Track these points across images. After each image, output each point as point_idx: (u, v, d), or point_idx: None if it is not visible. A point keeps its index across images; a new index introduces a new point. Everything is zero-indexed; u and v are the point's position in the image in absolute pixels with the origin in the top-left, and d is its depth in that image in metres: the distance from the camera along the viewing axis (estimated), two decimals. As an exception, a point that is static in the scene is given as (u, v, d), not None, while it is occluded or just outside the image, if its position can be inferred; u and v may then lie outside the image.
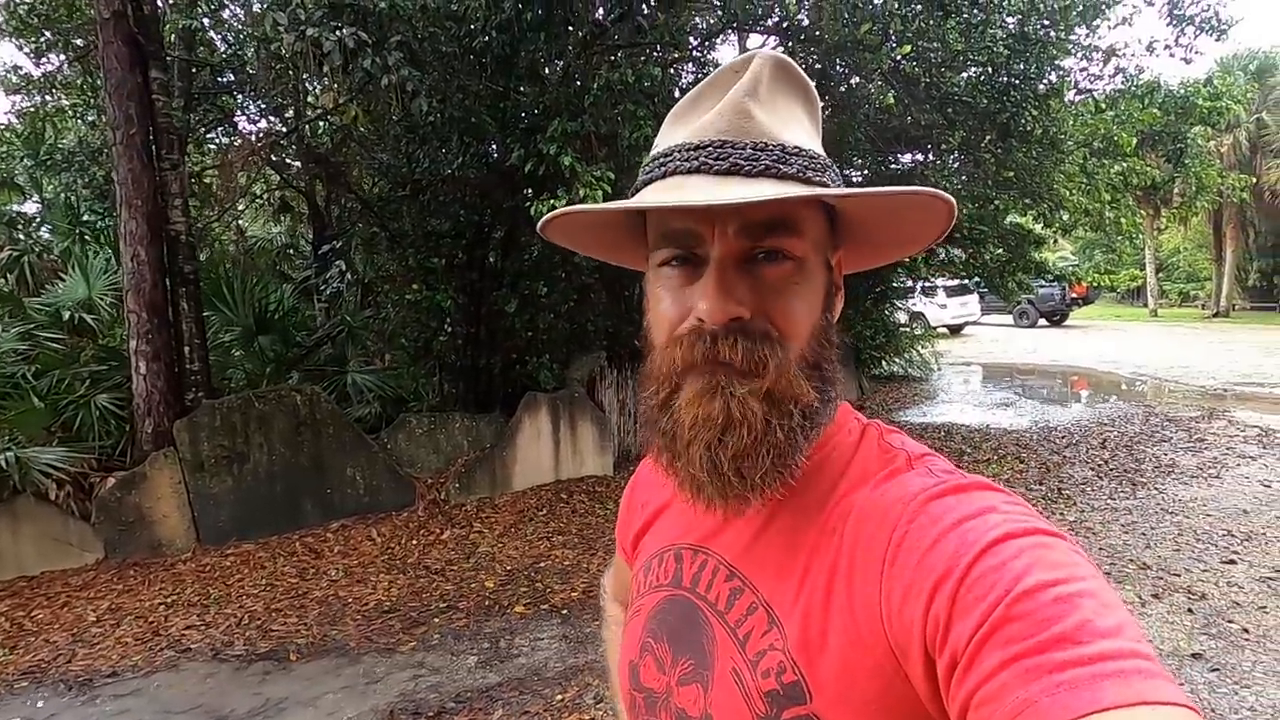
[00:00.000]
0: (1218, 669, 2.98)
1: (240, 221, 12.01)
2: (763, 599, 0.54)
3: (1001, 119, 4.58)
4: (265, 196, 10.55)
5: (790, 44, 4.61)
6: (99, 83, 8.56)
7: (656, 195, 0.54)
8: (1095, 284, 20.71)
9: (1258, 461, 6.21)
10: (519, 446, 6.23)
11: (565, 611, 4.01)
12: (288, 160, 8.72)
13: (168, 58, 5.89)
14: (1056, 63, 4.74)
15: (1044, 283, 16.07)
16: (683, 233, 0.54)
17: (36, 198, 9.53)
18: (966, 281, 17.59)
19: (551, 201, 3.82)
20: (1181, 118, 5.92)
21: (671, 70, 4.83)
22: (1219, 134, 15.67)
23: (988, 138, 4.65)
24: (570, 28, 4.00)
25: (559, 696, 3.10)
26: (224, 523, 5.28)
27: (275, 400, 5.52)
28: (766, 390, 0.53)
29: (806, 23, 4.14)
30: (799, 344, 0.54)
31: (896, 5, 3.80)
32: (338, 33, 3.41)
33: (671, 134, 0.58)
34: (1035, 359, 14.88)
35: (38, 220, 9.55)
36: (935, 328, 17.04)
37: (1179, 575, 3.94)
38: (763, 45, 5.93)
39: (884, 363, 11.97)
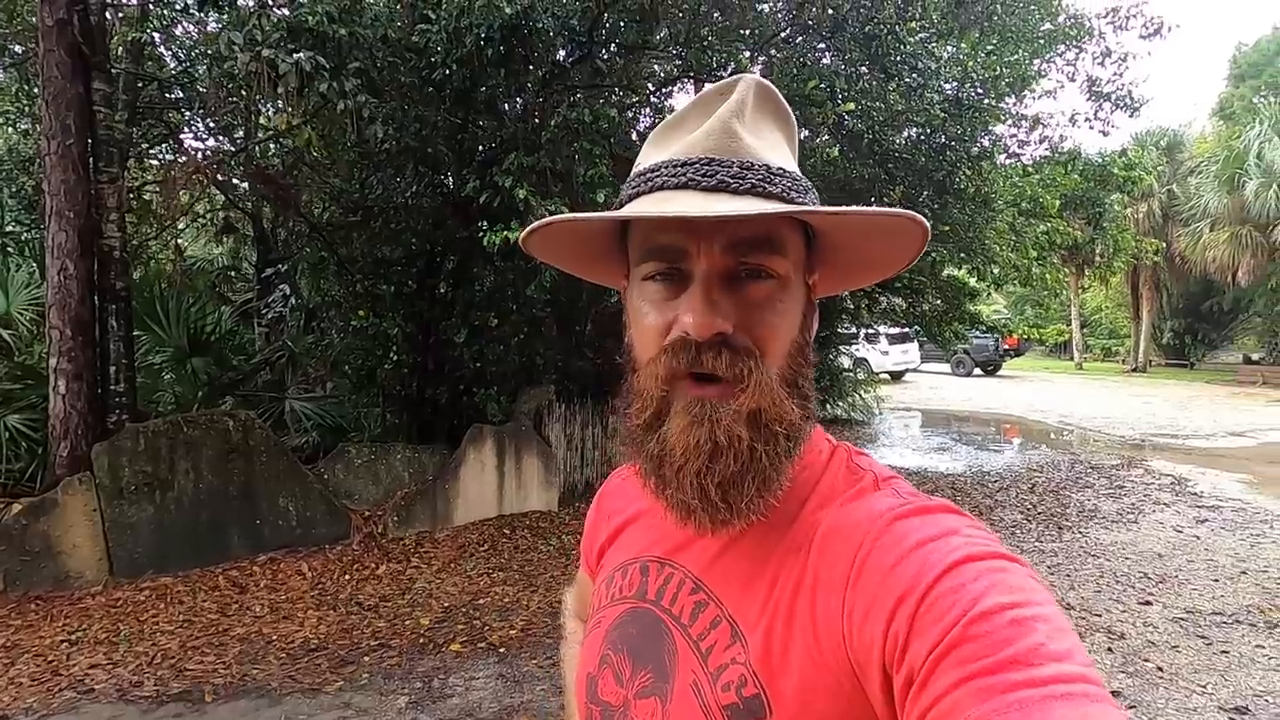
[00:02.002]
0: (1134, 706, 3.09)
1: (180, 240, 11.64)
2: (727, 613, 0.55)
3: (938, 177, 4.85)
4: (209, 216, 10.27)
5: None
6: (36, 91, 8.28)
7: (645, 208, 0.54)
8: (1026, 336, 21.72)
9: (1171, 508, 6.55)
10: (462, 479, 6.10)
11: (503, 650, 3.90)
12: (234, 181, 8.54)
13: (113, 70, 5.74)
14: (989, 128, 5.10)
15: (979, 334, 16.79)
16: (668, 247, 0.54)
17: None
18: (908, 330, 18.29)
19: (505, 233, 3.83)
20: (1100, 185, 6.40)
21: (629, 113, 4.96)
22: (1135, 201, 16.85)
23: (925, 193, 4.92)
24: (530, 66, 4.09)
25: (492, 738, 3.00)
26: (140, 554, 4.98)
27: (206, 425, 5.29)
28: (749, 412, 0.53)
29: (758, 76, 4.33)
30: (779, 361, 0.55)
31: (842, 65, 4.02)
32: (294, 55, 3.40)
33: (656, 152, 0.59)
34: (971, 406, 15.45)
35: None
36: (877, 373, 17.55)
37: (1100, 615, 4.11)
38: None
39: (827, 406, 12.25)
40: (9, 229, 8.00)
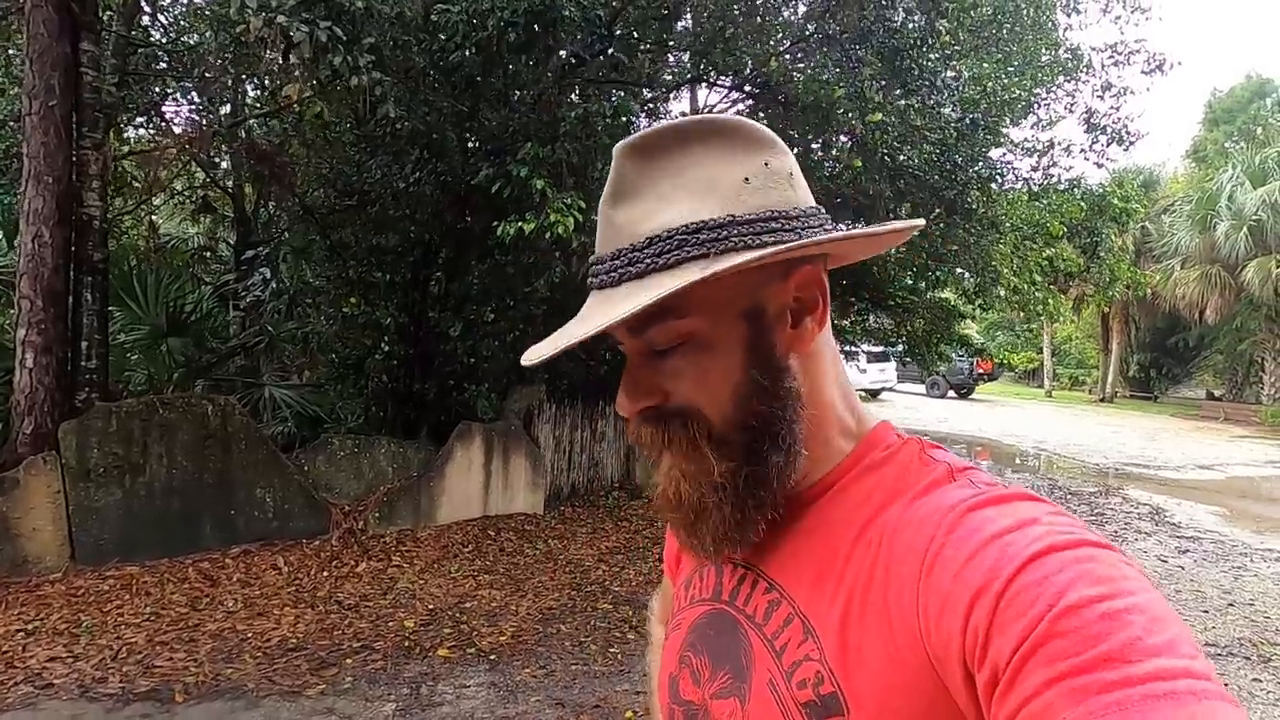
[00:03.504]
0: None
1: (154, 217, 11.26)
2: (799, 610, 0.54)
3: (949, 196, 4.85)
4: (187, 194, 9.93)
5: (757, 100, 4.75)
6: (14, 50, 7.92)
7: (542, 348, 0.57)
8: (1000, 361, 22.07)
9: (1152, 538, 6.63)
10: (448, 477, 5.92)
11: (494, 656, 3.74)
12: (216, 159, 8.24)
13: (103, 31, 5.49)
14: (996, 148, 5.11)
15: (957, 356, 16.99)
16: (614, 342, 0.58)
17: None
18: (886, 350, 18.46)
19: (519, 224, 3.70)
20: (1097, 214, 6.50)
21: (650, 106, 4.87)
22: (1120, 234, 17.28)
23: (936, 211, 4.92)
24: (549, 56, 3.97)
25: (487, 751, 2.84)
26: (106, 541, 4.72)
27: (183, 408, 5.04)
28: (684, 473, 0.56)
29: (777, 81, 4.28)
30: (716, 414, 0.55)
31: (869, 74, 3.99)
32: (310, 25, 3.23)
33: None
34: (947, 428, 15.61)
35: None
36: (858, 390, 17.68)
37: (1097, 643, 4.08)
38: (731, 102, 6.09)
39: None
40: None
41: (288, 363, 7.62)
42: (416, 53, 4.10)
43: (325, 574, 4.90)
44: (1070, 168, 6.04)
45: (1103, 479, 9.79)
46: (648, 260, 0.52)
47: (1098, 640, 0.37)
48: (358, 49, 3.52)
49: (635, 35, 4.17)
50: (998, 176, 5.33)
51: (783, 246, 0.51)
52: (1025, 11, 5.64)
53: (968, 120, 4.65)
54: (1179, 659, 0.36)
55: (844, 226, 0.55)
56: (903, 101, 4.20)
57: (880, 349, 18.67)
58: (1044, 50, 7.03)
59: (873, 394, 21.63)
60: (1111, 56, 7.34)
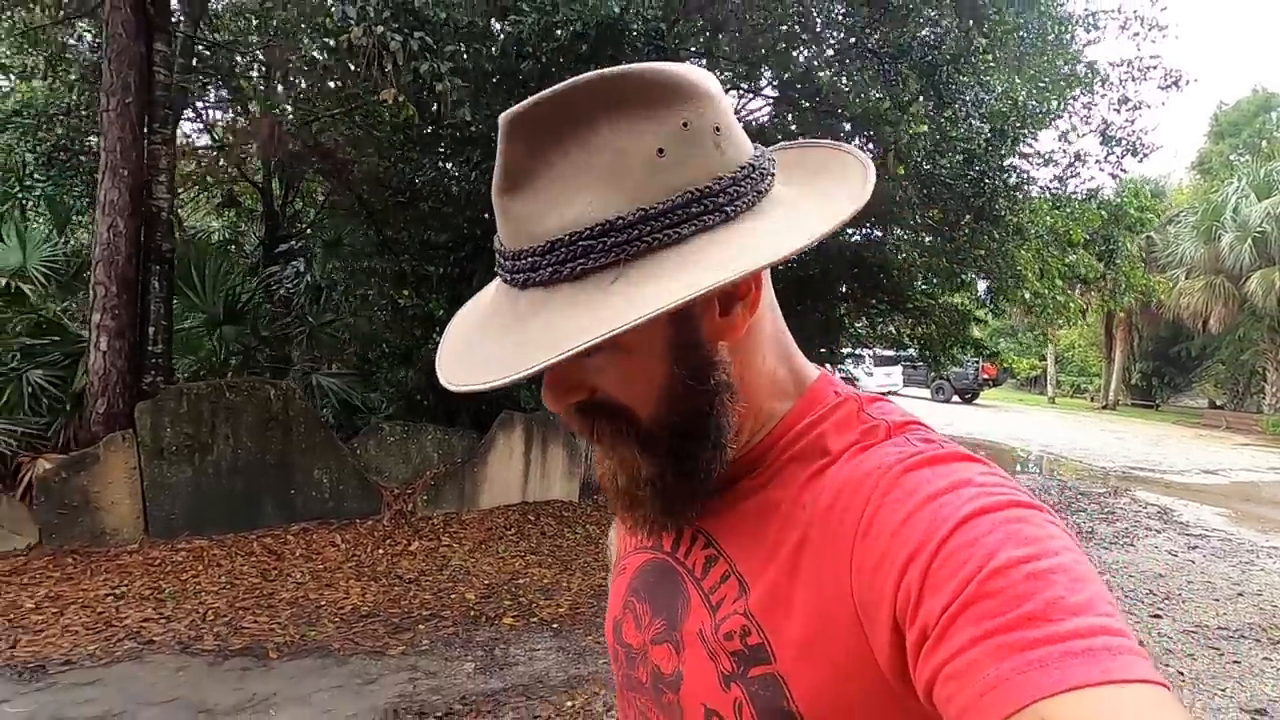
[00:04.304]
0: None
1: (180, 210, 11.51)
2: (735, 569, 0.55)
3: (978, 204, 5.12)
4: (215, 189, 10.17)
5: (801, 109, 5.01)
6: (70, 45, 8.18)
7: (453, 346, 0.55)
8: (1005, 367, 22.31)
9: (1162, 534, 6.89)
10: (490, 464, 6.18)
11: (556, 625, 4.00)
12: (245, 156, 8.50)
13: (173, 31, 5.76)
14: (1023, 160, 5.39)
15: (972, 359, 17.22)
16: None
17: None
18: (893, 353, 18.72)
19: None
20: (1113, 223, 6.77)
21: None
22: (1132, 241, 17.54)
23: (966, 218, 5.18)
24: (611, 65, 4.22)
25: (568, 703, 3.11)
26: (177, 516, 4.98)
27: (248, 392, 5.31)
28: (621, 460, 0.56)
29: (827, 93, 4.56)
30: (642, 411, 0.53)
31: (915, 89, 4.27)
32: (404, 34, 3.50)
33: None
34: (953, 431, 15.86)
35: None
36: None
37: (1117, 625, 4.35)
38: (774, 111, 6.32)
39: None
40: (38, 184, 7.88)
41: (318, 353, 7.89)
42: (484, 58, 4.36)
43: (381, 551, 5.16)
44: (1093, 179, 6.31)
45: (1111, 481, 10.06)
46: (549, 268, 0.48)
47: (1023, 600, 0.38)
48: (439, 56, 3.79)
49: (689, 47, 4.44)
50: (1024, 185, 5.60)
51: (702, 288, 0.45)
52: (1049, 29, 5.90)
53: (997, 131, 4.92)
54: (1097, 617, 0.37)
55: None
56: (938, 113, 4.47)
57: (889, 353, 18.95)
58: (1062, 64, 7.30)
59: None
60: (1127, 71, 7.60)
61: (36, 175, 8.59)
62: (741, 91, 5.35)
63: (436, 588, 4.57)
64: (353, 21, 3.38)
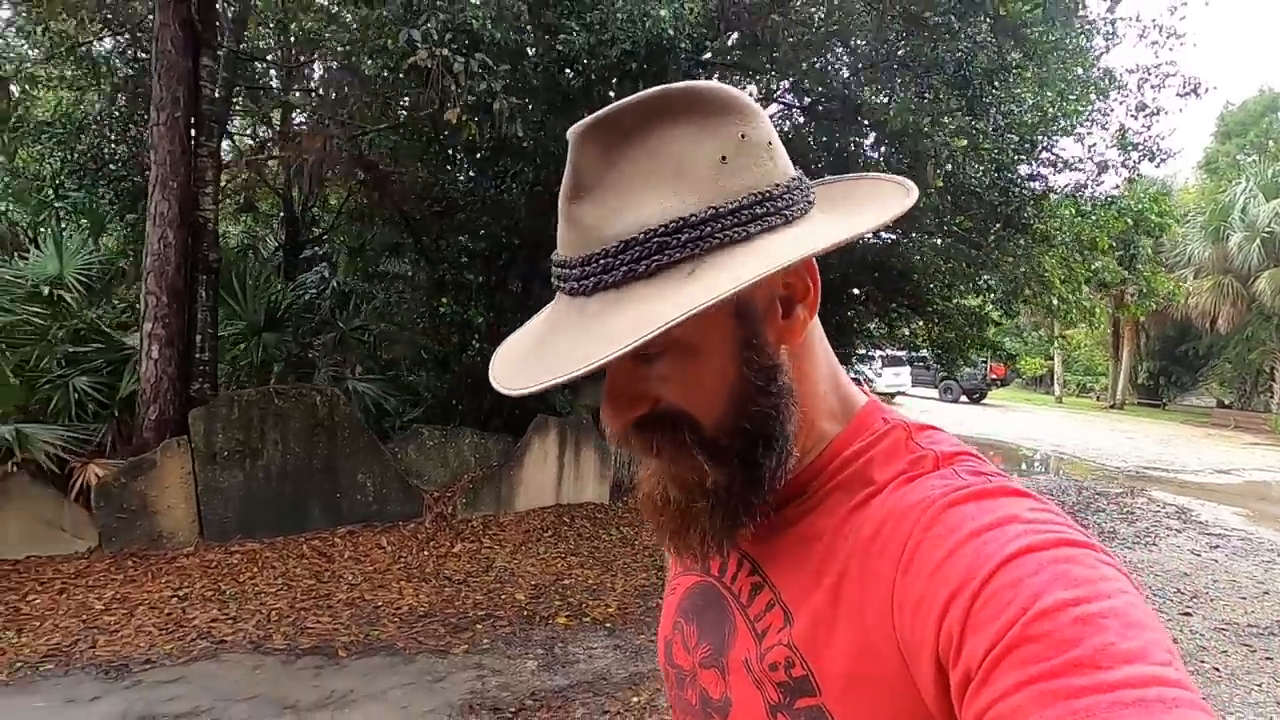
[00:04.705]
0: (1205, 699, 3.44)
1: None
2: (781, 598, 0.55)
3: (1007, 211, 5.26)
4: (233, 195, 10.31)
5: (838, 121, 5.14)
6: (101, 55, 8.32)
7: (503, 372, 0.54)
8: (1012, 366, 22.41)
9: (1182, 534, 7.01)
10: (526, 467, 6.31)
11: (609, 625, 4.14)
12: (268, 163, 8.64)
13: (219, 47, 5.90)
14: (1051, 166, 5.53)
15: (985, 360, 17.32)
16: None
17: (5, 164, 9.02)
18: (909, 354, 18.84)
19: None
20: (1133, 228, 6.90)
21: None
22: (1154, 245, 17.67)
23: (996, 226, 5.31)
24: (658, 81, 4.36)
25: (634, 699, 3.24)
26: (229, 519, 5.12)
27: (295, 398, 5.45)
28: (672, 476, 0.55)
29: (869, 108, 4.69)
30: (707, 418, 0.53)
31: (953, 105, 4.41)
32: (466, 56, 3.64)
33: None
34: (964, 432, 15.98)
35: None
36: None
37: (1149, 623, 4.48)
38: (812, 123, 6.43)
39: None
40: (71, 194, 8.03)
41: (341, 357, 8.04)
42: (531, 75, 4.50)
43: (426, 553, 5.30)
44: (1118, 185, 6.43)
45: (1126, 481, 10.17)
46: (624, 268, 0.48)
47: (1070, 645, 0.36)
48: (495, 76, 3.93)
49: (725, 60, 4.57)
50: (1050, 193, 5.74)
51: (780, 263, 0.47)
52: (1074, 40, 6.03)
53: (1026, 141, 5.05)
54: (1151, 665, 0.36)
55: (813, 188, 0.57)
56: (972, 125, 4.60)
57: (898, 353, 19.06)
58: (1080, 70, 7.42)
59: (888, 398, 22.01)
60: (1143, 79, 7.72)
61: (68, 184, 8.74)
62: (778, 103, 5.48)
63: (485, 588, 4.71)
64: (418, 44, 3.52)
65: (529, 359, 0.52)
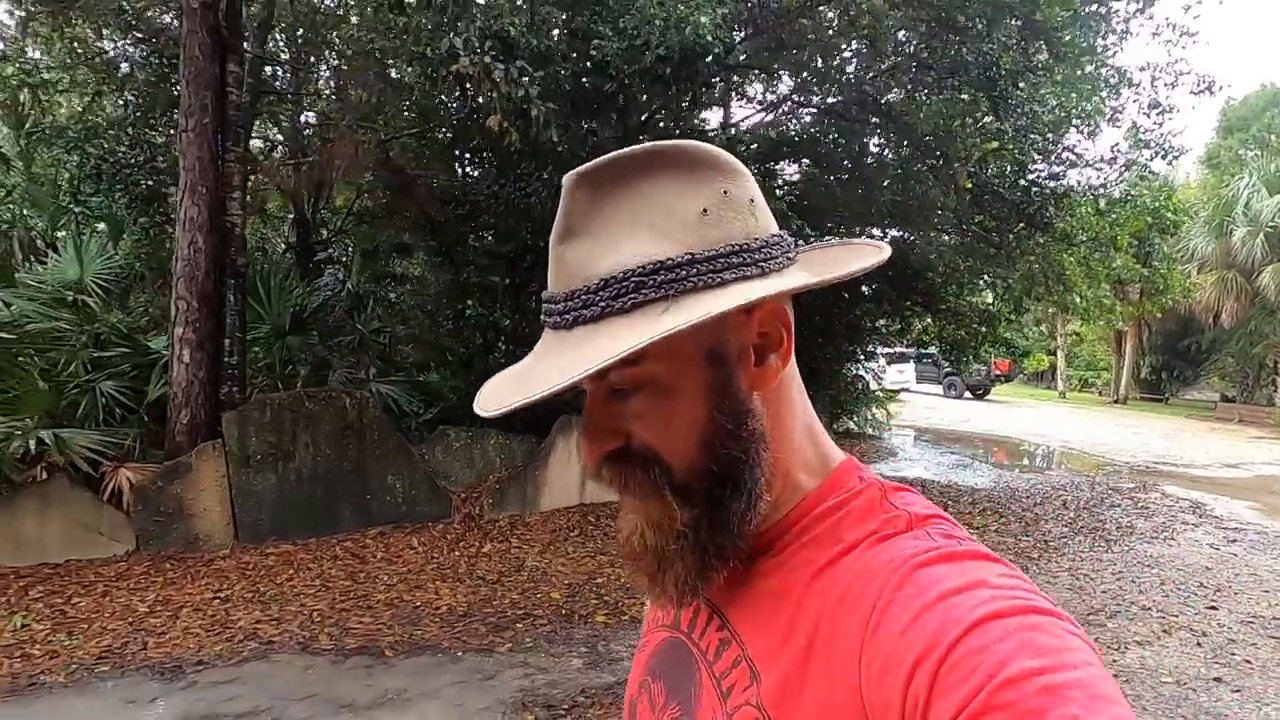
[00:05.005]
0: (1239, 690, 3.51)
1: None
2: (747, 654, 0.55)
3: (1029, 210, 5.32)
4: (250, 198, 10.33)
5: (866, 124, 5.19)
6: (113, 59, 8.35)
7: (498, 383, 0.57)
8: (1021, 362, 22.47)
9: (1200, 528, 7.08)
10: (550, 467, 6.37)
11: (647, 622, 4.19)
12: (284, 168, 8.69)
13: (245, 53, 5.94)
14: (1073, 166, 5.60)
15: (993, 356, 17.36)
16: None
17: (22, 170, 9.05)
18: (905, 351, 18.91)
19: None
20: (1151, 226, 6.96)
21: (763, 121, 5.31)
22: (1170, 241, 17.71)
23: (1019, 226, 5.38)
24: (691, 84, 4.42)
25: (682, 695, 3.30)
26: (263, 521, 5.17)
27: (325, 401, 5.50)
28: (650, 519, 0.55)
29: (899, 110, 4.76)
30: (677, 458, 0.54)
31: (983, 104, 4.48)
32: (506, 63, 3.69)
33: None
34: (971, 428, 16.05)
35: (18, 194, 9.07)
36: (894, 389, 18.11)
37: (1177, 616, 4.55)
38: (833, 125, 6.45)
39: (844, 418, 12.72)
40: (90, 199, 8.07)
41: (355, 359, 8.09)
42: (564, 80, 4.55)
43: (457, 554, 5.35)
44: (1135, 183, 6.46)
45: (1137, 476, 10.25)
46: (603, 304, 0.51)
47: (1034, 716, 0.36)
48: (532, 82, 3.98)
49: (754, 64, 4.63)
50: (1070, 192, 5.80)
51: (744, 298, 0.49)
52: (1086, 39, 6.08)
53: (1048, 141, 5.10)
54: None
55: (802, 245, 0.62)
56: (996, 126, 4.66)
57: (901, 350, 19.12)
58: (1092, 68, 7.48)
59: (892, 394, 22.07)
60: (1154, 77, 7.76)
61: (84, 189, 8.78)
62: (798, 105, 5.54)
63: (520, 588, 4.76)
64: (460, 52, 3.56)
65: (508, 384, 0.54)
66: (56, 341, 5.75)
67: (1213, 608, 4.76)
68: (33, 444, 4.64)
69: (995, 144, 4.45)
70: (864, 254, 0.58)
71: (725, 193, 0.54)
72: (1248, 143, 23.17)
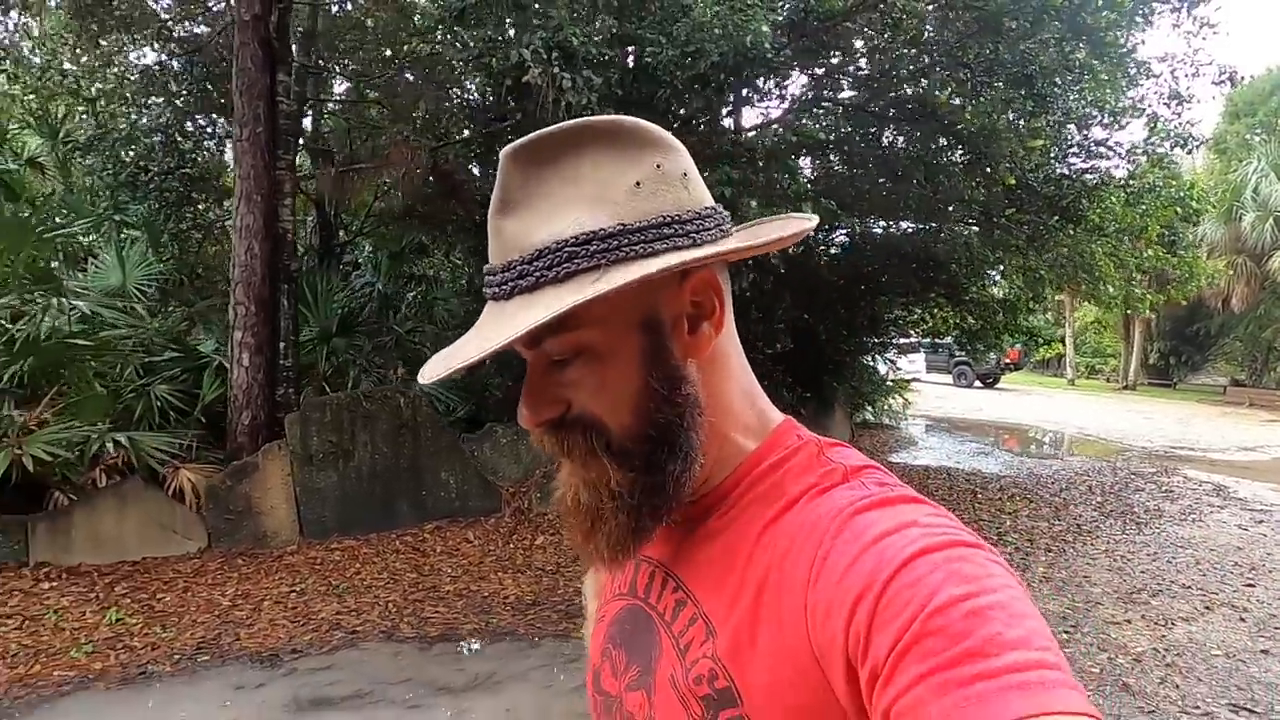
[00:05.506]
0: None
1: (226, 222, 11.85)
2: (702, 611, 0.57)
3: (1063, 203, 5.45)
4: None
5: (910, 123, 5.31)
6: (158, 73, 8.49)
7: (439, 354, 0.57)
8: (1039, 350, 22.58)
9: (1225, 510, 7.24)
10: (594, 461, 6.54)
11: (711, 607, 4.36)
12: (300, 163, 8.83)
13: (292, 62, 6.09)
14: (1104, 158, 5.73)
15: (1020, 344, 17.42)
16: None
17: (60, 179, 9.20)
18: (916, 341, 19.04)
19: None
20: (1178, 215, 7.09)
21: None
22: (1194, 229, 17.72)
23: (1055, 218, 5.51)
24: (744, 88, 4.57)
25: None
26: (326, 518, 5.35)
27: (381, 400, 5.67)
28: (583, 480, 0.57)
29: (943, 110, 4.89)
30: (615, 423, 0.55)
31: (1029, 106, 4.63)
32: (574, 73, 3.84)
33: None
34: (985, 416, 16.20)
35: (56, 203, 9.22)
36: (909, 380, 18.20)
37: (1218, 594, 4.71)
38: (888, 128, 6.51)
39: (862, 409, 12.88)
40: (129, 206, 8.22)
41: (383, 360, 8.26)
42: (615, 86, 4.70)
43: (511, 546, 5.52)
44: (1157, 172, 6.59)
45: (1157, 461, 10.40)
46: (537, 273, 0.52)
47: (963, 636, 0.40)
48: (592, 89, 4.13)
49: (794, 66, 4.76)
50: (1103, 184, 5.94)
51: (673, 262, 0.51)
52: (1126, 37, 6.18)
53: (1083, 135, 5.23)
54: (1033, 651, 0.39)
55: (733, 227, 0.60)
56: (1034, 123, 4.80)
57: (911, 341, 19.22)
58: (1113, 60, 7.58)
59: (905, 384, 22.19)
60: (1174, 68, 7.85)
61: (121, 196, 8.94)
62: (830, 103, 5.67)
63: (581, 578, 4.92)
64: (529, 64, 3.71)
65: (448, 355, 0.56)
66: (104, 347, 5.88)
67: (1250, 585, 4.92)
68: (111, 446, 4.82)
69: (1041, 141, 4.59)
70: (790, 225, 0.59)
71: (658, 166, 0.55)
72: (1254, 128, 23.22)
